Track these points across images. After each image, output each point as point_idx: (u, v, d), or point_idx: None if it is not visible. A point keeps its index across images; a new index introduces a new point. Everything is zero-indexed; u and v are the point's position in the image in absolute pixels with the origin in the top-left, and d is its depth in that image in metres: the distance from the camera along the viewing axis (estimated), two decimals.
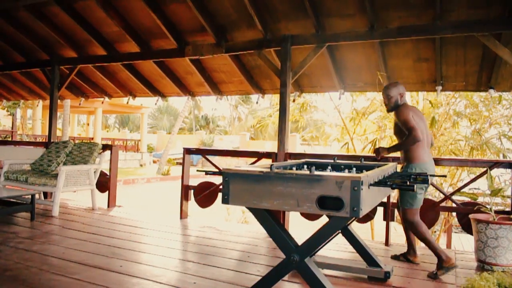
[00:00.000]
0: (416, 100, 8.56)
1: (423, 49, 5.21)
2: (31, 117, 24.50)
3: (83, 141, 16.58)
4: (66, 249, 4.22)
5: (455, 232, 8.82)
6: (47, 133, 7.63)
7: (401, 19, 4.78)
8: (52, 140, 7.40)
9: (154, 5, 5.57)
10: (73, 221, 5.66)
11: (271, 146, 27.68)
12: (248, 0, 4.98)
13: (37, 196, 5.84)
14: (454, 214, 6.36)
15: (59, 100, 7.84)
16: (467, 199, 4.71)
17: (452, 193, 4.95)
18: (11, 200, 5.68)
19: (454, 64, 5.26)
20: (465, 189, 4.87)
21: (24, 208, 5.54)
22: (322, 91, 6.73)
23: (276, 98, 10.66)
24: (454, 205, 4.83)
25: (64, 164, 6.40)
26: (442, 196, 5.11)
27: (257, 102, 7.33)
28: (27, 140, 17.84)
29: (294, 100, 6.91)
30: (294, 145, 24.37)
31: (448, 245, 7.17)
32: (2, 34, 7.34)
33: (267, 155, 5.62)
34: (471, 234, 4.25)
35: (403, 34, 4.80)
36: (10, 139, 17.13)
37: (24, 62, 7.90)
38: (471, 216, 4.18)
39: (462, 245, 8.37)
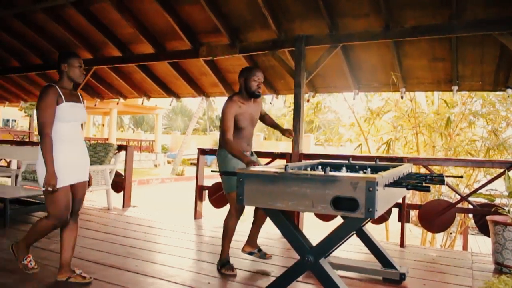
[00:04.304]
0: (432, 100, 8.49)
1: (438, 49, 5.16)
2: None
3: (98, 141, 16.74)
4: (82, 248, 4.27)
5: (472, 234, 8.71)
6: None
7: (416, 18, 4.74)
8: None
9: (168, 6, 5.61)
10: (88, 221, 5.71)
11: (285, 146, 27.66)
12: (261, 1, 4.99)
13: None
14: (470, 215, 6.29)
15: None
16: (484, 201, 4.65)
17: (469, 195, 4.89)
18: (29, 199, 5.76)
19: (471, 63, 5.21)
20: (482, 190, 4.81)
21: (41, 207, 5.60)
22: (336, 91, 6.71)
23: (290, 98, 10.65)
24: (470, 206, 4.78)
25: None
26: (458, 197, 5.06)
27: (271, 103, 7.33)
28: None
29: (308, 101, 6.89)
30: (308, 145, 24.31)
31: (465, 247, 7.07)
32: (20, 36, 7.45)
33: (281, 155, 5.62)
34: (488, 236, 4.19)
35: (418, 33, 4.76)
36: (27, 139, 17.38)
37: (41, 63, 8.01)
38: (488, 217, 4.13)
39: (479, 247, 8.26)
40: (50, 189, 3.02)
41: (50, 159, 3.04)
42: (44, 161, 3.05)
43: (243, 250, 4.04)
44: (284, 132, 4.06)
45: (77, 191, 3.30)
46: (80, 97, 3.39)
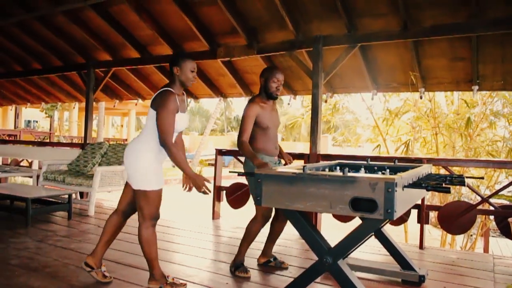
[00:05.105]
0: (451, 100, 8.38)
1: (458, 48, 5.09)
2: (67, 119, 25.24)
3: (118, 142, 16.90)
4: None
5: (493, 236, 8.56)
6: (83, 135, 7.83)
7: (435, 17, 4.68)
8: (87, 142, 7.59)
9: (186, 8, 5.65)
10: None
11: (303, 147, 27.59)
12: (279, 1, 4.98)
13: (73, 196, 6.01)
14: (491, 217, 6.18)
15: (94, 103, 8.04)
16: (505, 202, 4.58)
17: (490, 196, 4.81)
18: (50, 199, 5.86)
19: (492, 62, 5.12)
20: (504, 192, 4.73)
21: (61, 207, 5.71)
22: (354, 92, 6.66)
23: (307, 98, 10.62)
24: (491, 208, 4.70)
25: (99, 165, 6.55)
26: (478, 198, 4.98)
27: (288, 103, 7.32)
28: (64, 141, 18.34)
29: (326, 101, 6.86)
30: (326, 146, 24.18)
31: (486, 250, 6.95)
32: (41, 39, 7.58)
33: (299, 156, 5.61)
34: (510, 238, 4.13)
35: (438, 33, 4.70)
36: (48, 140, 17.67)
37: (62, 65, 8.13)
38: (510, 219, 4.06)
39: (501, 249, 8.11)
40: (208, 192, 3.04)
41: (185, 163, 3.00)
42: (182, 168, 3.00)
43: (258, 261, 4.03)
44: (283, 156, 4.01)
45: None
46: (185, 100, 3.30)
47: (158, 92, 3.09)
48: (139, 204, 3.13)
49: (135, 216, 3.31)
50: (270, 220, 3.84)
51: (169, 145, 2.96)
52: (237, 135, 3.59)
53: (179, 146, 3.25)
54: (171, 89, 3.05)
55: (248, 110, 3.59)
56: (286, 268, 3.91)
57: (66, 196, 5.68)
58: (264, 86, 3.68)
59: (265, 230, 3.99)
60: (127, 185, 3.25)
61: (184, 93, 3.28)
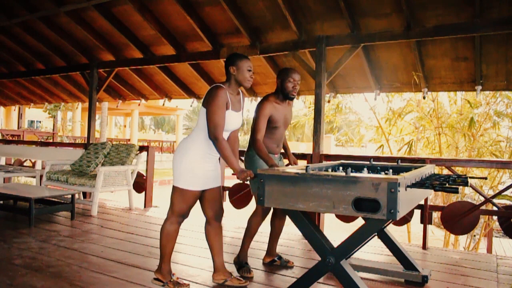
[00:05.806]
0: (454, 100, 8.37)
1: (461, 48, 5.08)
2: (71, 119, 25.27)
3: (120, 142, 16.90)
4: (105, 247, 4.33)
5: (496, 237, 8.56)
6: (86, 135, 7.83)
7: (439, 17, 4.67)
8: (90, 142, 7.60)
9: (189, 8, 5.65)
10: (111, 220, 5.79)
11: (306, 147, 27.57)
12: (282, 1, 4.98)
13: (76, 196, 6.01)
14: (495, 217, 6.17)
15: (97, 103, 8.06)
16: (509, 203, 4.57)
17: (493, 196, 4.80)
18: (53, 199, 5.87)
19: (495, 63, 5.10)
20: (507, 192, 4.72)
21: (64, 207, 5.71)
22: (357, 92, 6.65)
23: (310, 98, 10.61)
24: (495, 208, 4.69)
25: (102, 165, 6.56)
26: (482, 199, 4.97)
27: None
28: (67, 141, 18.37)
29: (329, 101, 6.86)
30: (329, 146, 24.17)
31: (489, 250, 6.95)
32: (44, 39, 7.60)
33: (302, 156, 5.60)
34: None
35: (441, 33, 4.69)
36: (51, 140, 17.69)
37: (65, 66, 8.16)
38: None
39: (504, 250, 8.10)
40: (248, 178, 2.99)
41: (233, 158, 2.99)
42: (229, 163, 2.98)
43: (264, 261, 4.05)
44: (288, 157, 4.13)
45: (213, 194, 3.28)
46: (241, 100, 3.25)
47: (208, 89, 3.08)
48: (172, 199, 3.15)
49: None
50: (270, 218, 3.86)
51: (219, 138, 2.95)
52: (251, 133, 3.65)
53: (231, 143, 3.22)
54: (222, 86, 3.04)
55: (262, 109, 3.63)
56: (292, 267, 3.91)
57: (69, 196, 5.69)
58: (281, 86, 3.72)
59: (267, 230, 3.99)
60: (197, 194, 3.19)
61: (240, 93, 3.26)
